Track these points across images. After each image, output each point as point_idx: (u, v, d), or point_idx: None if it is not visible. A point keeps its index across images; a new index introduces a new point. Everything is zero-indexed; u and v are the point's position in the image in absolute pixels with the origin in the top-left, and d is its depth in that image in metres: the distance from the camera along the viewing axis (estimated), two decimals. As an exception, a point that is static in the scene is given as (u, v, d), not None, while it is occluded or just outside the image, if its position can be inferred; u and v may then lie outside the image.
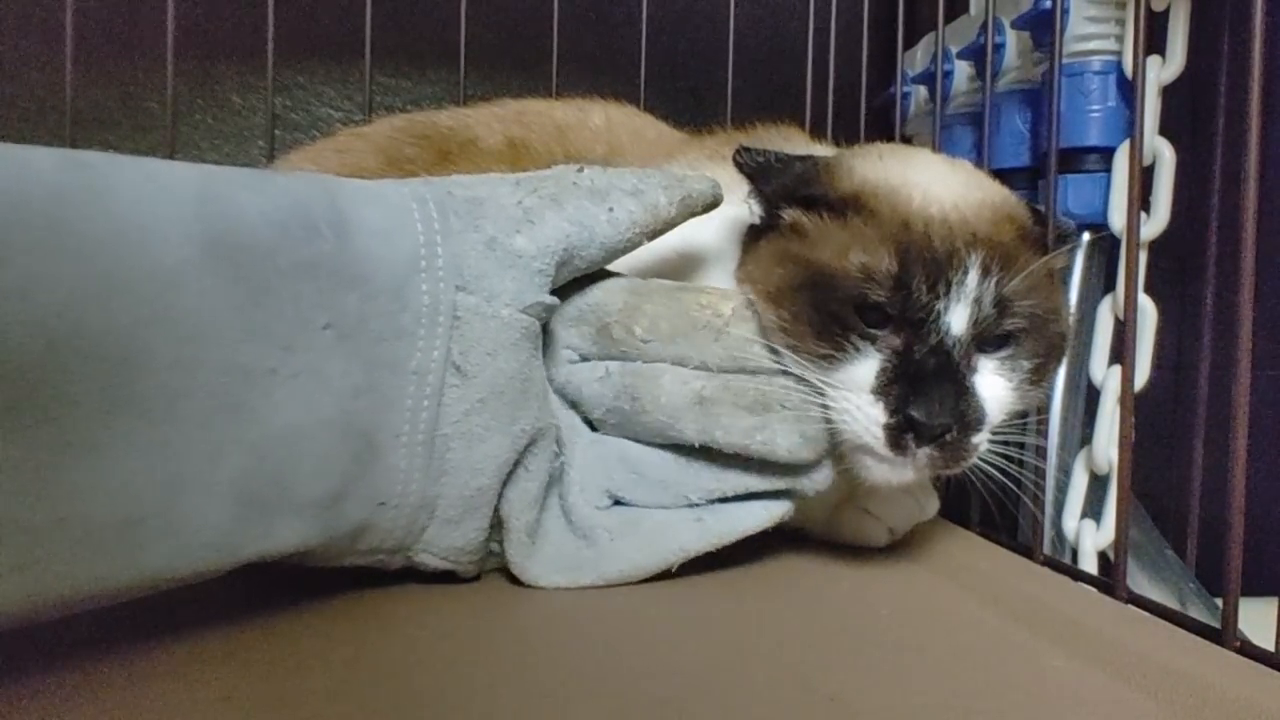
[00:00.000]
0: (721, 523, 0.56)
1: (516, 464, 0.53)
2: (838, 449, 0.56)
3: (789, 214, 0.59)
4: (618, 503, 0.57)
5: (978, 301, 0.53)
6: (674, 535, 0.55)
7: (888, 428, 0.52)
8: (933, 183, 0.57)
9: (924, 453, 0.52)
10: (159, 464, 0.39)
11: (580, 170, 0.56)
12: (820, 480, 0.58)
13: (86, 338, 0.37)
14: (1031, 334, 0.56)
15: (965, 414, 0.52)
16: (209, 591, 0.46)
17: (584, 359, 0.57)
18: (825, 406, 0.54)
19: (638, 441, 0.57)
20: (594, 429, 0.58)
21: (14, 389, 0.35)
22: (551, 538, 0.55)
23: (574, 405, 0.58)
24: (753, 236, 0.62)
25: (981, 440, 0.54)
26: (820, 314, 0.54)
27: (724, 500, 0.57)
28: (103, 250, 0.38)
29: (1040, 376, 0.57)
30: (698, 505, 0.56)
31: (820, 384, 0.54)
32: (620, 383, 0.56)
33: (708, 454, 0.56)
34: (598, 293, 0.58)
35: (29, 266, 0.35)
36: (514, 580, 0.55)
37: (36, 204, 0.36)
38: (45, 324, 0.36)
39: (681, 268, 0.65)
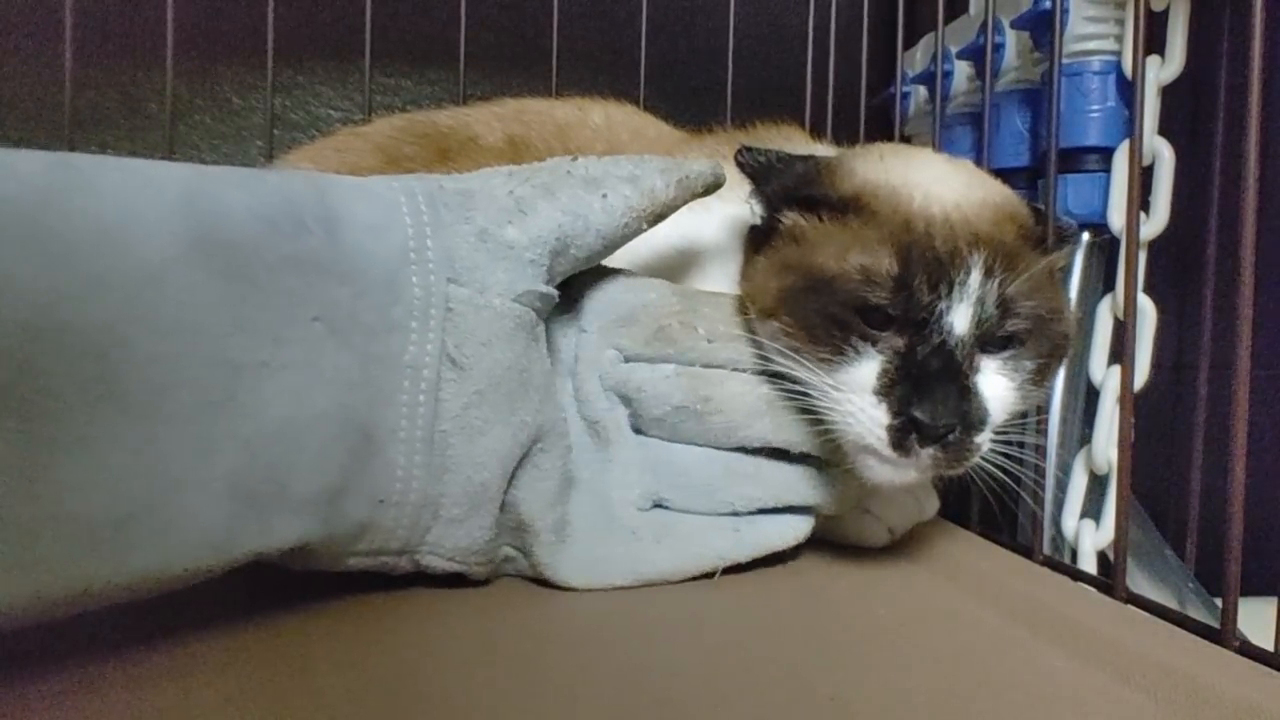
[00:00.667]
0: (755, 534, 0.58)
1: (525, 461, 0.53)
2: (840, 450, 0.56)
3: (789, 218, 0.59)
4: (656, 505, 0.57)
5: (980, 302, 0.53)
6: (711, 542, 0.56)
7: (891, 429, 0.52)
8: (934, 183, 0.57)
9: (927, 453, 0.52)
10: (148, 460, 0.39)
11: (575, 160, 0.56)
12: (842, 499, 0.60)
13: (68, 333, 0.37)
14: (1034, 334, 0.56)
15: (968, 414, 0.52)
16: (213, 593, 0.45)
17: (628, 360, 0.57)
18: (827, 409, 0.54)
19: (688, 444, 0.57)
20: (636, 430, 0.58)
21: None
22: (581, 537, 0.55)
23: (628, 403, 0.58)
24: (753, 247, 0.62)
25: (984, 440, 0.54)
26: (821, 316, 0.54)
27: (761, 512, 0.58)
28: (85, 249, 0.38)
29: (1043, 377, 0.57)
30: (738, 515, 0.57)
31: (823, 386, 0.54)
32: (688, 384, 0.56)
33: (759, 459, 0.57)
34: (650, 294, 0.59)
35: (10, 265, 0.36)
36: (520, 583, 0.55)
37: (20, 205, 0.37)
38: (27, 321, 0.36)
39: (682, 266, 0.65)
